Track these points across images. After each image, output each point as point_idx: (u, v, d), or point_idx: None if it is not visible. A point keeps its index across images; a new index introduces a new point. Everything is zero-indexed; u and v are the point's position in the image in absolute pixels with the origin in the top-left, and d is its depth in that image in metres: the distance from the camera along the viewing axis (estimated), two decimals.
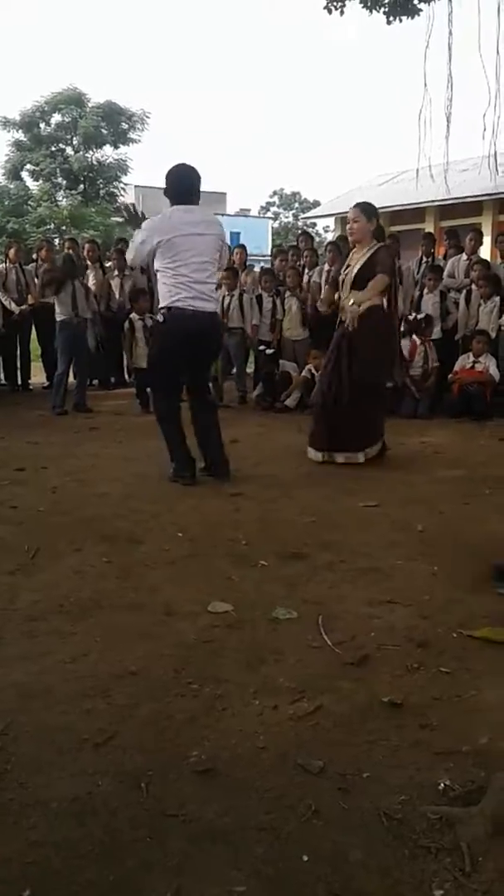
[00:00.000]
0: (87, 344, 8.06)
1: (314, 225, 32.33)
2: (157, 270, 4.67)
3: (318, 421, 5.32)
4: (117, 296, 9.29)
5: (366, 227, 5.12)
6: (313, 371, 7.52)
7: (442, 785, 1.78)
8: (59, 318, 7.70)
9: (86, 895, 1.48)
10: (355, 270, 5.12)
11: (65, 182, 28.89)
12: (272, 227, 42.81)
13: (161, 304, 4.68)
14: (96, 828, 1.65)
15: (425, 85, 8.10)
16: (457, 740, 1.96)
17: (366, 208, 5.18)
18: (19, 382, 9.40)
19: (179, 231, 4.53)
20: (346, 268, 5.24)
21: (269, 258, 10.18)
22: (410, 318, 7.83)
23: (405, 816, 1.67)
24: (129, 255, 4.86)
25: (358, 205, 5.26)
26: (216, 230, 4.72)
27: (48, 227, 25.89)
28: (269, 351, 8.32)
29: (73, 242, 9.94)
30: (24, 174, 28.93)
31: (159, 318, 4.71)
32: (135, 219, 4.90)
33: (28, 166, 28.67)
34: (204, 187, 4.77)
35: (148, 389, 6.98)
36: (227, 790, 1.78)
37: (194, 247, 4.53)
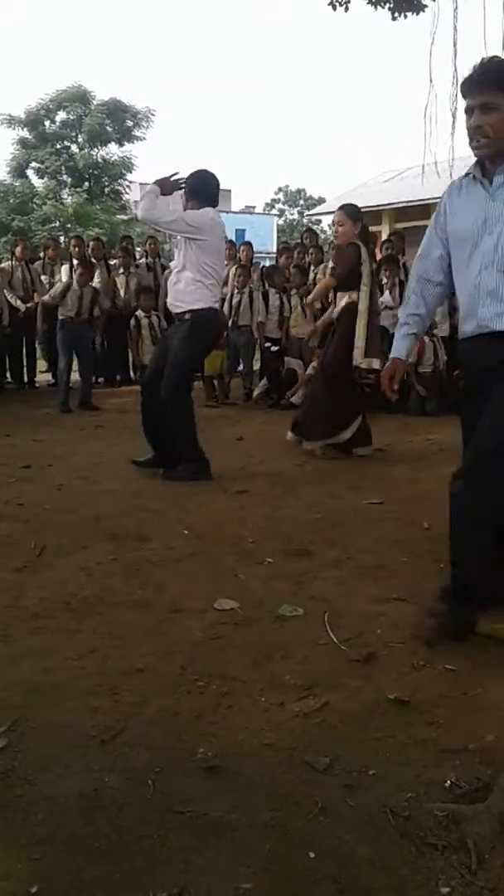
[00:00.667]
0: (89, 342, 8.08)
1: (319, 222, 32.28)
2: (197, 269, 4.64)
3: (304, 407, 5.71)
4: (122, 293, 9.29)
5: (351, 230, 5.27)
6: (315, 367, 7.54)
7: (448, 782, 1.78)
8: (61, 316, 7.76)
9: (93, 891, 1.49)
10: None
11: (70, 180, 28.88)
12: (277, 224, 42.78)
13: (200, 305, 4.67)
14: (103, 824, 1.66)
15: (430, 81, 8.05)
16: (463, 738, 1.96)
17: (350, 211, 5.35)
18: (25, 381, 9.42)
19: (217, 234, 4.70)
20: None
21: (275, 255, 10.16)
22: None
23: (412, 814, 1.67)
24: (155, 213, 4.55)
25: (342, 207, 5.37)
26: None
27: (53, 224, 25.89)
28: (274, 348, 8.32)
29: (79, 240, 9.95)
30: (30, 172, 28.93)
31: (190, 316, 4.68)
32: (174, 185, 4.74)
33: (33, 164, 28.66)
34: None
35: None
36: (234, 787, 1.78)
37: (222, 251, 4.82)
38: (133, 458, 4.99)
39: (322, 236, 14.15)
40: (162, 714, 2.09)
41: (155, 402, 4.78)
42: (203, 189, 4.70)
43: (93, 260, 9.14)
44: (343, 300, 5.34)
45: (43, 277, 9.25)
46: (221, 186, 4.89)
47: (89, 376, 8.14)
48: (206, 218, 4.63)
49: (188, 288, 4.66)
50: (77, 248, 9.36)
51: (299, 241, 10.87)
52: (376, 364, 5.29)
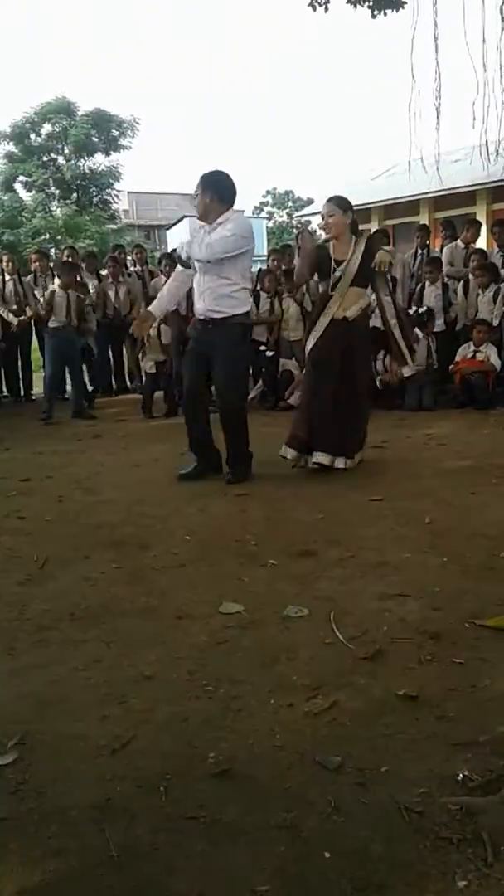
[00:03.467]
0: (77, 351, 8.09)
1: (309, 223, 32.36)
2: (241, 275, 4.68)
3: (318, 422, 4.93)
4: (113, 301, 9.29)
5: (343, 221, 4.94)
6: None
7: (461, 776, 1.77)
8: (50, 325, 7.84)
9: None
10: (356, 266, 4.90)
11: (58, 192, 28.93)
12: (267, 227, 42.80)
13: (245, 309, 4.73)
14: (116, 833, 1.65)
15: (413, 77, 8.06)
16: (474, 730, 1.96)
17: (340, 202, 4.99)
18: (21, 394, 9.42)
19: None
20: (338, 263, 4.93)
21: (265, 258, 10.18)
22: (412, 312, 7.80)
23: (425, 809, 1.67)
24: (222, 248, 4.51)
25: (331, 199, 5.05)
26: (250, 239, 4.82)
27: (43, 237, 25.93)
28: (269, 353, 8.31)
29: (72, 251, 9.94)
30: (18, 186, 28.98)
31: (239, 320, 4.70)
32: None
33: (21, 178, 28.71)
34: (195, 190, 4.79)
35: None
36: (246, 790, 1.78)
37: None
38: (130, 465, 4.99)
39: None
40: (171, 720, 2.09)
41: (199, 412, 4.86)
42: (229, 191, 4.66)
43: (76, 263, 9.15)
44: (360, 300, 4.99)
45: (35, 292, 9.25)
46: None
47: (80, 385, 8.18)
48: (248, 224, 4.76)
49: (235, 293, 4.64)
50: (70, 259, 9.36)
51: (287, 243, 10.87)
52: (408, 372, 5.29)
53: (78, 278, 8.45)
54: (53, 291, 7.81)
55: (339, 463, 4.88)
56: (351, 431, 4.98)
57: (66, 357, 7.89)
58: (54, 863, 1.58)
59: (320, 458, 4.85)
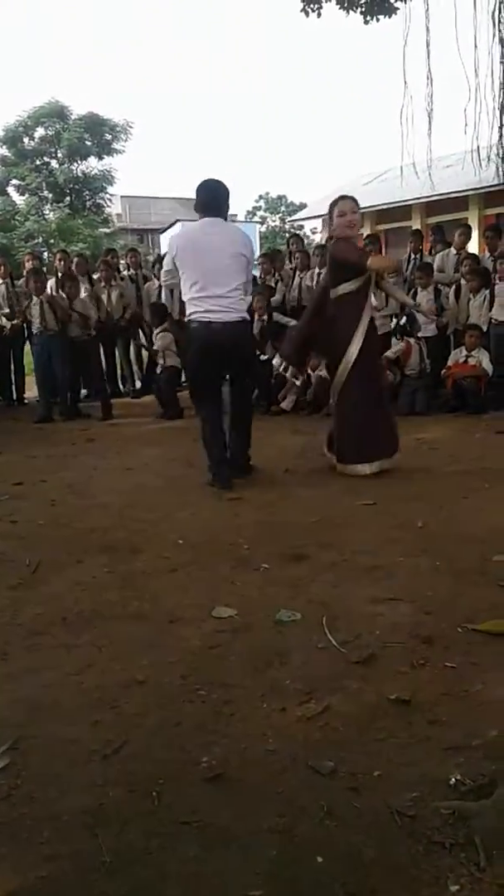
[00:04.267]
0: (63, 354, 8.19)
1: (301, 227, 32.40)
2: (248, 283, 4.87)
3: (363, 429, 4.85)
4: (105, 305, 9.29)
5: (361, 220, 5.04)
6: (308, 372, 7.54)
7: (453, 780, 1.77)
8: (33, 330, 8.25)
9: None
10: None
11: (51, 195, 28.95)
12: (260, 232, 42.84)
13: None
14: (109, 839, 1.64)
15: (405, 82, 8.14)
16: (466, 735, 1.96)
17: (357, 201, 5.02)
18: (14, 398, 9.41)
19: (198, 242, 4.65)
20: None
21: (258, 263, 10.21)
22: (393, 323, 7.85)
23: (418, 813, 1.67)
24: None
25: (350, 197, 5.00)
26: (246, 248, 4.82)
27: (37, 241, 25.96)
28: (263, 357, 8.32)
29: (64, 254, 9.95)
30: (11, 189, 29.01)
31: (245, 322, 4.85)
32: None
33: (14, 181, 28.74)
34: (188, 195, 4.83)
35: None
36: (239, 795, 1.77)
37: (213, 258, 4.59)
38: (123, 469, 4.99)
39: (305, 241, 14.21)
40: (163, 725, 2.08)
41: (221, 414, 4.88)
42: (213, 202, 4.75)
43: (40, 268, 9.26)
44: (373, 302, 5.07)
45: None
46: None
47: (66, 386, 8.29)
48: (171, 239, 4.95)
49: (243, 299, 4.78)
50: (62, 262, 9.36)
51: (286, 246, 10.89)
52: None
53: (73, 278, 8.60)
54: (30, 297, 8.10)
55: (386, 464, 4.92)
56: (390, 426, 5.00)
57: (50, 359, 8.10)
58: (46, 868, 1.57)
59: (371, 467, 4.86)
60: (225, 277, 4.59)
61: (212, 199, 4.74)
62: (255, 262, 9.73)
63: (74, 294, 8.27)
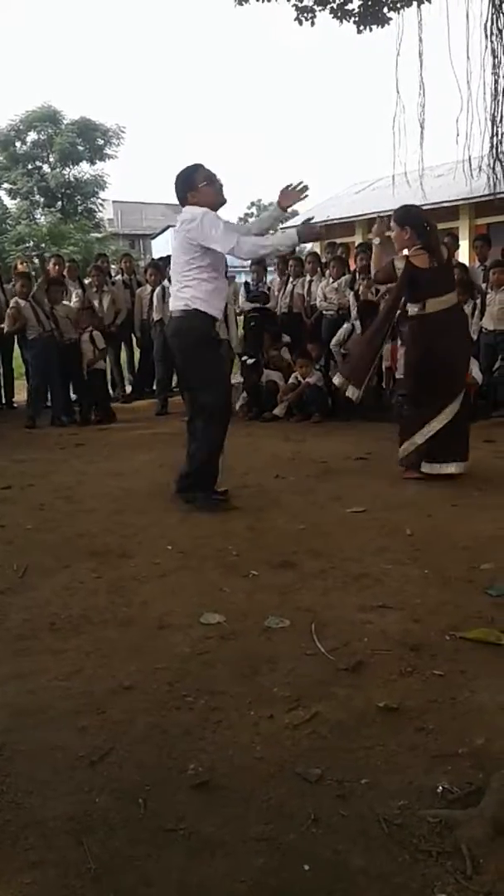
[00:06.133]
0: (54, 358, 8.16)
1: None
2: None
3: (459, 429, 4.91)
4: (97, 310, 9.27)
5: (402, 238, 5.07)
6: (300, 378, 7.56)
7: (440, 788, 1.78)
8: (28, 335, 8.13)
9: None
10: None
11: (43, 199, 28.96)
12: None
13: None
14: (95, 845, 1.64)
15: (398, 92, 8.19)
16: (453, 743, 1.96)
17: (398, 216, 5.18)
18: (3, 401, 9.36)
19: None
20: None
21: (249, 270, 10.22)
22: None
23: (405, 821, 1.67)
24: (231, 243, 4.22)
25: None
26: (182, 229, 4.30)
27: (27, 245, 25.91)
28: (249, 361, 8.34)
29: (58, 258, 9.92)
30: (2, 193, 29.05)
31: None
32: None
33: (5, 185, 28.72)
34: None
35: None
36: (226, 802, 1.77)
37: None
38: (112, 474, 4.96)
39: (297, 249, 14.25)
40: (151, 732, 2.08)
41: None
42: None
43: (28, 272, 9.23)
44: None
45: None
46: None
47: (57, 392, 8.26)
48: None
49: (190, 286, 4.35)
50: (56, 267, 9.34)
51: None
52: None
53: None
54: (17, 303, 8.01)
55: (461, 468, 4.92)
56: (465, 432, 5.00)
57: (46, 366, 8.05)
58: (31, 875, 1.56)
59: (455, 468, 4.89)
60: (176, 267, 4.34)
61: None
62: (249, 269, 9.79)
63: (56, 299, 8.25)
